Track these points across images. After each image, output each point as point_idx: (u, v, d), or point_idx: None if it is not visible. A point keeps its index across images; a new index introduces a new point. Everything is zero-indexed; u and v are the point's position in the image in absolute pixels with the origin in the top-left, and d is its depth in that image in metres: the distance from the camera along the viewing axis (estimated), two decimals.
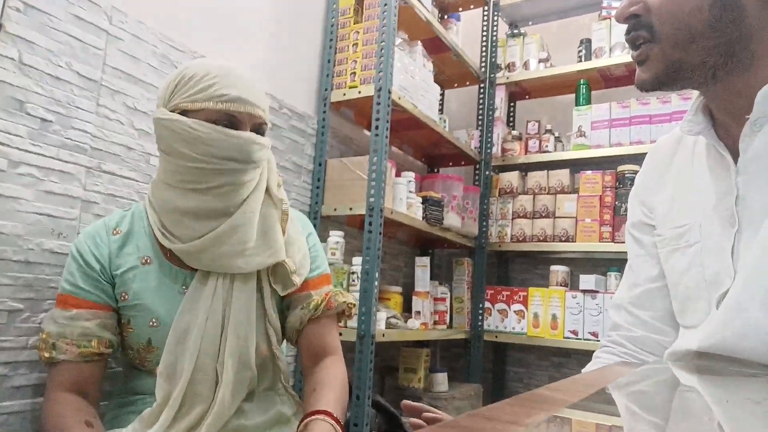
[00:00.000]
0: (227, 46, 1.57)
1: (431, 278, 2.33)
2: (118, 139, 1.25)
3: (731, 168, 0.78)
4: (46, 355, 0.96)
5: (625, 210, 2.18)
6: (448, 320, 2.30)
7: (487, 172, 2.51)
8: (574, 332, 2.20)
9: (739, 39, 0.72)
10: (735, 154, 0.78)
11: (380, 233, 1.73)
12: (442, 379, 2.16)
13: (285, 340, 1.14)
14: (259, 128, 1.02)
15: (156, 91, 1.33)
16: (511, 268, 2.68)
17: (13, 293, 1.06)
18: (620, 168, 2.23)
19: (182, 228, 1.00)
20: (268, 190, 1.07)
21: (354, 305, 1.16)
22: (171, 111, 0.98)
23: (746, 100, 0.74)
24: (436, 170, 2.66)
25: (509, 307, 2.37)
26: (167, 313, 1.00)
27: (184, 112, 0.97)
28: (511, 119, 2.72)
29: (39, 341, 0.97)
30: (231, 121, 0.98)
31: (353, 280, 1.73)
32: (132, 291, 1.00)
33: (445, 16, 2.59)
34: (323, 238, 1.84)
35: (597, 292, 2.19)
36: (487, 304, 2.42)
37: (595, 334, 2.15)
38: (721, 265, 0.77)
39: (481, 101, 2.58)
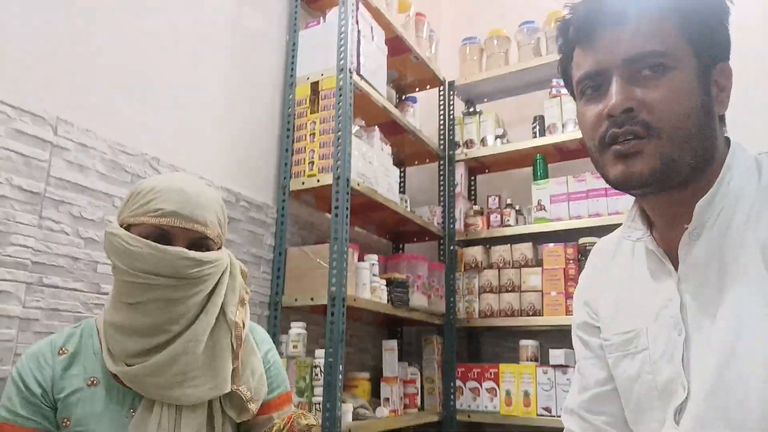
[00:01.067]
0: (181, 144, 1.56)
1: (401, 358, 2.29)
2: (62, 250, 1.22)
3: (672, 274, 0.79)
4: None
5: None
6: (419, 402, 2.23)
7: (451, 247, 2.51)
8: (548, 409, 2.16)
9: (711, 146, 0.75)
10: (673, 259, 0.79)
11: (343, 323, 1.69)
12: None
13: None
14: (199, 243, 0.99)
15: (105, 198, 1.31)
16: (482, 342, 2.64)
17: None
18: (581, 240, 2.26)
19: (115, 345, 0.96)
20: (222, 312, 1.02)
21: (316, 426, 1.11)
22: (120, 225, 0.97)
23: (686, 209, 0.76)
24: (401, 246, 2.65)
25: (481, 385, 2.32)
26: None
27: (128, 227, 0.97)
28: (473, 193, 2.76)
29: None
30: (164, 236, 0.96)
31: (316, 374, 1.68)
32: (75, 417, 0.94)
33: (403, 98, 2.67)
34: (284, 329, 1.79)
35: (568, 366, 2.16)
36: (459, 383, 2.36)
37: None
38: (673, 373, 0.77)
39: (441, 178, 2.61)
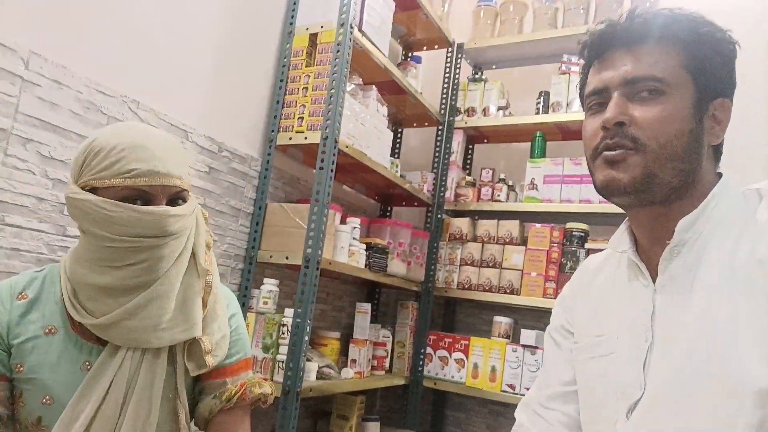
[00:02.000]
0: (163, 87, 1.51)
1: (376, 320, 2.31)
2: (27, 189, 1.19)
3: (650, 286, 0.85)
4: None
5: (570, 268, 2.18)
6: (387, 365, 2.27)
7: (438, 216, 2.48)
8: (512, 386, 2.19)
9: (694, 170, 0.81)
10: (653, 273, 0.85)
11: (315, 285, 1.68)
12: (374, 428, 2.13)
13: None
14: (176, 197, 0.97)
15: (77, 139, 1.27)
16: (458, 312, 2.66)
17: None
18: (568, 225, 2.23)
19: (97, 304, 0.94)
20: (193, 257, 1.02)
21: (271, 395, 1.11)
22: (82, 188, 0.93)
23: (667, 228, 0.82)
24: (389, 209, 2.63)
25: (450, 355, 2.34)
26: (64, 391, 0.93)
27: (93, 190, 0.93)
28: (468, 162, 2.71)
29: None
30: (142, 196, 0.93)
31: (283, 333, 1.69)
32: (28, 364, 0.94)
33: (408, 56, 2.58)
34: (257, 284, 1.79)
35: (537, 348, 2.18)
36: (429, 350, 2.39)
37: None
38: (633, 376, 0.82)
39: (438, 144, 2.56)
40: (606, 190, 0.83)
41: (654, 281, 0.84)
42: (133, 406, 0.94)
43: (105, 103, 1.34)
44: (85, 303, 0.95)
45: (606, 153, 0.81)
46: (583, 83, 0.91)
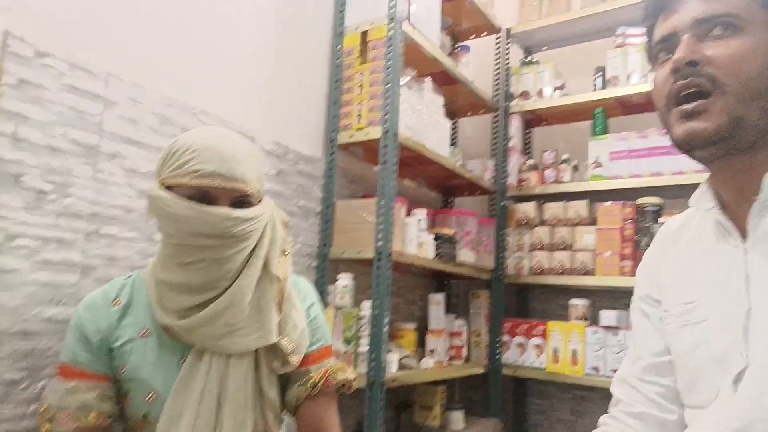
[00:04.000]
0: (228, 97, 1.57)
1: (449, 310, 2.30)
2: (116, 201, 1.27)
3: (739, 246, 0.79)
4: (46, 426, 0.96)
5: (646, 244, 2.10)
6: (465, 355, 2.26)
7: (503, 203, 2.46)
8: (596, 369, 2.13)
9: None
10: (743, 233, 0.79)
11: (389, 277, 1.70)
12: (458, 418, 2.12)
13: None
14: (241, 200, 1.00)
15: (155, 151, 1.34)
16: (531, 298, 2.62)
17: (11, 365, 1.07)
18: (640, 200, 2.16)
19: (168, 302, 1.00)
20: (266, 265, 1.05)
21: (354, 380, 1.14)
22: (160, 185, 0.99)
23: (755, 179, 0.76)
24: (451, 200, 2.62)
25: (528, 342, 2.31)
26: (165, 388, 0.99)
27: (169, 188, 0.98)
28: (528, 147, 2.67)
29: (39, 413, 0.98)
30: (206, 196, 0.96)
31: (362, 325, 1.71)
32: (129, 364, 1.00)
33: (456, 47, 2.57)
34: (332, 280, 1.83)
35: (618, 328, 2.11)
36: (506, 338, 2.36)
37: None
38: (731, 343, 0.76)
39: (495, 130, 2.53)
40: (688, 144, 0.77)
41: (744, 241, 0.78)
42: (229, 408, 0.98)
43: (177, 116, 1.41)
44: (160, 302, 1.00)
45: (681, 107, 0.76)
46: (649, 41, 0.85)
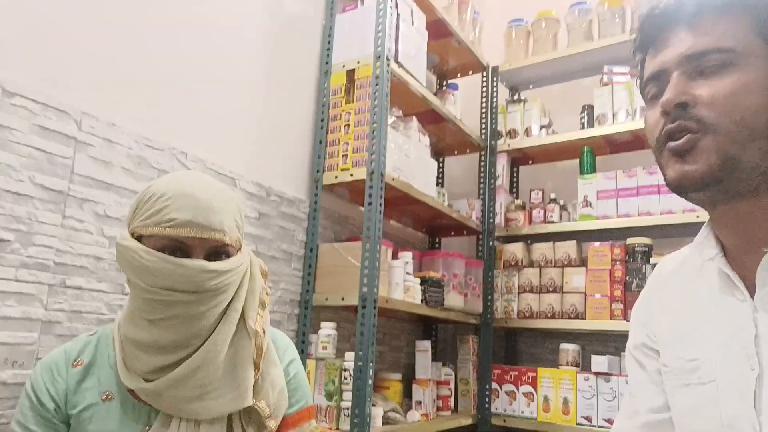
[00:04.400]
0: (209, 137, 1.50)
1: (436, 357, 2.22)
2: (86, 250, 1.18)
3: (747, 302, 0.72)
4: None
5: (637, 286, 2.06)
6: (452, 404, 2.16)
7: (490, 243, 2.40)
8: (588, 418, 2.05)
9: None
10: (748, 285, 0.72)
11: (374, 325, 1.62)
12: None
13: None
14: (218, 251, 0.92)
15: (130, 195, 1.26)
16: (520, 342, 2.54)
17: None
18: (630, 240, 2.12)
19: (136, 362, 0.91)
20: (242, 318, 0.96)
21: None
22: (131, 234, 0.90)
23: (761, 228, 0.70)
24: (438, 240, 2.56)
25: (518, 389, 2.23)
26: None
27: (139, 238, 0.90)
28: (515, 186, 2.64)
29: None
30: (180, 247, 0.89)
31: (345, 378, 1.62)
32: None
33: (444, 85, 2.55)
34: (315, 328, 1.74)
35: (610, 374, 2.05)
36: (495, 385, 2.28)
37: (610, 422, 1.99)
38: (742, 413, 0.69)
39: (482, 169, 2.50)
40: (681, 187, 0.70)
41: (752, 295, 0.71)
42: None
43: (155, 156, 1.33)
44: (127, 362, 0.91)
45: (670, 143, 0.70)
46: (641, 78, 0.80)
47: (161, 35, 1.38)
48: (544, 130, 2.43)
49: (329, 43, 1.93)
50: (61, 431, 0.90)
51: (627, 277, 2.10)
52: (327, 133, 1.87)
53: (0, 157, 1.04)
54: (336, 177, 1.80)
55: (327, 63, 1.92)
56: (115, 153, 1.25)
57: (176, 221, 0.87)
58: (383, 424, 1.74)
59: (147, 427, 0.91)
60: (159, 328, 0.89)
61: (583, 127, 2.33)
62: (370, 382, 1.58)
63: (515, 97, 2.58)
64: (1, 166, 1.04)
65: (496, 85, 2.56)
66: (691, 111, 0.68)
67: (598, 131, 2.26)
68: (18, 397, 1.01)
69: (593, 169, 2.33)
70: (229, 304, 0.94)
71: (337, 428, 1.59)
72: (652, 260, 2.08)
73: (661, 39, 0.74)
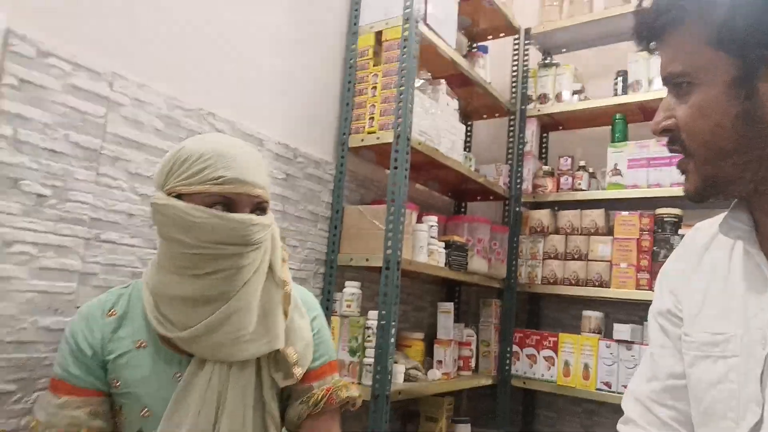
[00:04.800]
0: (238, 98, 1.53)
1: (458, 319, 2.25)
2: (118, 206, 1.23)
3: None
4: None
5: (664, 256, 2.04)
6: (473, 365, 2.20)
7: (517, 209, 2.40)
8: (608, 384, 2.07)
9: None
10: None
11: (397, 286, 1.65)
12: (465, 430, 2.07)
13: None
14: (259, 207, 0.97)
15: (160, 154, 1.30)
16: (543, 307, 2.56)
17: (5, 375, 1.04)
18: (659, 210, 2.09)
19: (179, 315, 0.96)
20: (270, 270, 1.02)
21: (359, 397, 1.10)
22: (167, 194, 0.94)
23: None
24: (464, 205, 2.57)
25: (538, 353, 2.25)
26: (159, 402, 0.95)
27: (179, 196, 0.94)
28: (543, 152, 2.61)
29: (29, 429, 0.95)
30: (227, 203, 0.94)
31: (368, 336, 1.66)
32: (123, 378, 0.96)
33: (474, 47, 2.51)
34: (339, 287, 1.78)
35: (633, 342, 2.05)
36: (515, 348, 2.31)
37: None
38: (750, 388, 0.71)
39: (510, 134, 2.47)
40: (688, 199, 0.77)
41: None
42: (226, 420, 0.95)
43: (184, 117, 1.37)
44: (168, 315, 0.96)
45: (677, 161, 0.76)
46: None
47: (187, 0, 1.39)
48: (576, 95, 2.38)
49: (357, 4, 1.92)
50: (98, 374, 0.97)
51: (654, 247, 2.08)
52: (354, 96, 1.87)
53: (36, 115, 1.08)
54: (362, 140, 1.82)
55: (355, 24, 1.91)
56: (145, 113, 1.28)
57: (224, 178, 0.92)
58: (404, 380, 1.79)
59: (177, 374, 0.97)
60: (205, 280, 0.94)
61: (616, 94, 2.28)
62: (392, 340, 1.63)
63: (547, 61, 2.52)
64: (37, 123, 1.09)
65: (528, 48, 2.51)
66: (675, 134, 0.73)
67: (632, 98, 2.20)
68: (58, 341, 1.08)
69: (625, 137, 2.28)
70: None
71: (360, 383, 1.65)
72: (680, 231, 2.05)
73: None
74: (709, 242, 0.85)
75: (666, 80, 0.73)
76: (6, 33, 1.04)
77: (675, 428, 0.82)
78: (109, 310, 1.00)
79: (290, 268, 1.10)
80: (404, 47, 1.75)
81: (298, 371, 1.02)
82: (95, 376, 0.96)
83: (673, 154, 0.75)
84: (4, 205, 1.04)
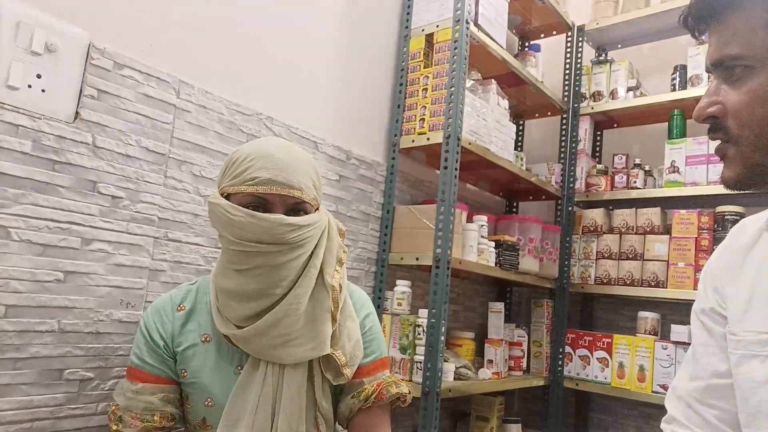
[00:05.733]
0: (294, 103, 1.59)
1: (509, 319, 2.25)
2: (184, 207, 1.31)
3: None
4: (114, 427, 1.01)
5: None
6: (524, 365, 2.20)
7: (569, 208, 2.37)
8: (664, 387, 2.02)
9: None
10: None
11: (447, 285, 1.68)
12: (515, 430, 2.07)
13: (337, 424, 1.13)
14: (296, 208, 1.01)
15: (222, 157, 1.38)
16: (596, 308, 2.52)
17: (84, 363, 1.13)
18: (719, 208, 2.03)
19: (227, 309, 1.02)
20: (320, 274, 1.05)
21: (408, 394, 1.13)
22: (221, 194, 1.01)
23: None
24: (515, 204, 2.56)
25: (591, 354, 2.22)
26: (222, 394, 1.02)
27: (228, 196, 1.00)
28: (597, 150, 2.56)
29: (109, 412, 1.03)
30: (262, 203, 0.98)
31: (419, 333, 1.70)
32: (190, 369, 1.03)
33: (526, 46, 2.50)
34: (390, 286, 1.82)
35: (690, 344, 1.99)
36: (568, 349, 2.28)
37: None
38: None
39: (563, 133, 2.45)
40: (726, 187, 0.75)
41: None
42: (284, 417, 0.99)
43: (243, 122, 1.44)
44: (221, 310, 1.02)
45: (715, 147, 0.75)
46: None
47: (246, 7, 1.46)
48: (631, 92, 2.33)
49: (409, 7, 1.95)
50: (170, 364, 1.04)
51: (714, 246, 2.02)
52: (405, 98, 1.91)
53: (113, 123, 1.17)
54: (413, 141, 1.85)
55: (407, 27, 1.94)
56: (208, 118, 1.36)
57: (258, 179, 0.97)
58: (455, 379, 1.81)
59: (239, 367, 1.03)
60: (245, 277, 0.99)
61: (674, 89, 2.22)
62: (442, 338, 1.65)
63: (601, 58, 2.48)
64: (114, 131, 1.17)
65: (581, 45, 2.47)
66: (719, 121, 0.71)
67: (690, 93, 2.14)
68: (131, 333, 1.17)
69: (683, 134, 2.22)
70: (308, 261, 1.03)
71: (411, 380, 1.68)
72: (728, 232, 1.98)
73: (706, 34, 0.75)
74: (756, 238, 0.83)
75: (717, 64, 0.72)
76: (88, 48, 1.13)
77: (719, 428, 0.81)
78: (179, 305, 1.08)
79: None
80: (455, 48, 1.77)
81: (348, 371, 1.06)
82: (167, 366, 1.04)
83: (712, 140, 0.75)
84: (85, 206, 1.13)
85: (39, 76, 1.06)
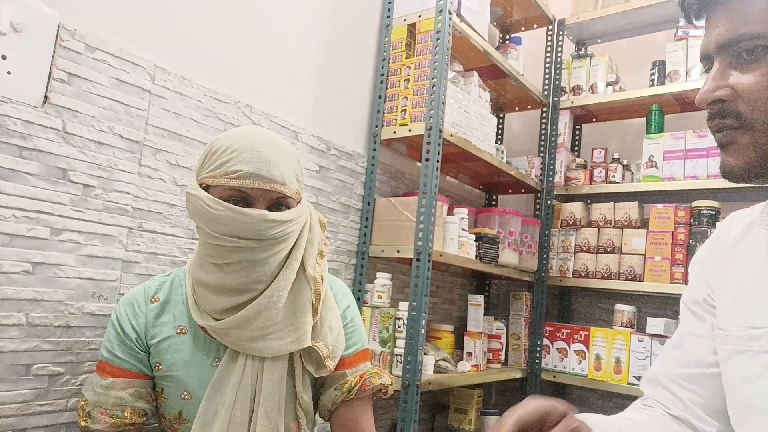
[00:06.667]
0: (273, 91, 1.55)
1: (488, 311, 2.25)
2: (159, 197, 1.27)
3: None
4: (83, 423, 0.97)
5: None
6: (503, 358, 2.21)
7: (548, 202, 2.38)
8: (640, 379, 2.04)
9: None
10: None
11: (428, 278, 1.66)
12: (494, 423, 2.07)
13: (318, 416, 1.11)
14: (278, 202, 0.98)
15: (199, 146, 1.34)
16: (573, 301, 2.54)
17: (54, 358, 1.09)
18: (695, 203, 2.05)
19: (205, 302, 0.99)
20: (302, 266, 1.03)
21: (390, 385, 1.11)
22: (199, 184, 0.97)
23: None
24: (494, 197, 2.56)
25: (569, 347, 2.24)
26: (199, 386, 0.99)
27: (207, 188, 0.97)
28: (576, 144, 2.57)
29: (78, 407, 0.99)
30: (243, 198, 0.95)
31: (399, 326, 1.68)
32: (165, 362, 1.00)
33: (506, 39, 2.49)
34: (371, 279, 1.80)
35: (666, 337, 2.02)
36: (546, 342, 2.30)
37: None
38: None
39: (543, 126, 2.45)
40: (726, 178, 0.71)
41: None
42: (263, 410, 0.97)
43: (222, 109, 1.40)
44: (198, 302, 0.99)
45: (716, 134, 0.69)
46: None
47: None
48: (610, 86, 2.34)
49: None
50: (142, 358, 1.01)
51: (690, 241, 2.05)
52: (386, 88, 1.88)
53: (84, 108, 1.12)
54: (394, 132, 1.83)
55: (388, 17, 1.92)
56: (185, 105, 1.31)
57: (240, 173, 0.93)
58: (434, 372, 1.81)
59: (216, 360, 1.00)
60: (224, 272, 0.96)
61: (652, 84, 2.24)
62: (422, 331, 1.64)
63: (581, 52, 2.48)
64: (85, 117, 1.13)
65: (562, 39, 2.48)
66: (728, 105, 0.67)
67: (668, 88, 2.16)
68: (103, 326, 1.13)
69: (661, 129, 2.24)
70: (289, 253, 1.00)
71: (390, 373, 1.67)
72: (718, 224, 2.01)
73: (705, 19, 0.71)
74: (745, 233, 0.82)
75: (727, 45, 0.67)
76: (58, 29, 1.08)
77: (697, 413, 0.81)
78: (152, 297, 1.04)
79: None
80: (437, 39, 1.75)
81: (330, 363, 1.04)
82: (138, 360, 1.00)
83: (716, 127, 0.70)
84: (54, 194, 1.08)
85: (4, 57, 1.01)
